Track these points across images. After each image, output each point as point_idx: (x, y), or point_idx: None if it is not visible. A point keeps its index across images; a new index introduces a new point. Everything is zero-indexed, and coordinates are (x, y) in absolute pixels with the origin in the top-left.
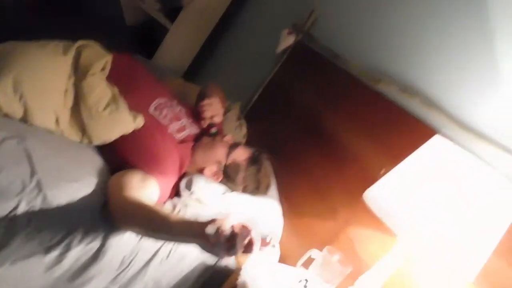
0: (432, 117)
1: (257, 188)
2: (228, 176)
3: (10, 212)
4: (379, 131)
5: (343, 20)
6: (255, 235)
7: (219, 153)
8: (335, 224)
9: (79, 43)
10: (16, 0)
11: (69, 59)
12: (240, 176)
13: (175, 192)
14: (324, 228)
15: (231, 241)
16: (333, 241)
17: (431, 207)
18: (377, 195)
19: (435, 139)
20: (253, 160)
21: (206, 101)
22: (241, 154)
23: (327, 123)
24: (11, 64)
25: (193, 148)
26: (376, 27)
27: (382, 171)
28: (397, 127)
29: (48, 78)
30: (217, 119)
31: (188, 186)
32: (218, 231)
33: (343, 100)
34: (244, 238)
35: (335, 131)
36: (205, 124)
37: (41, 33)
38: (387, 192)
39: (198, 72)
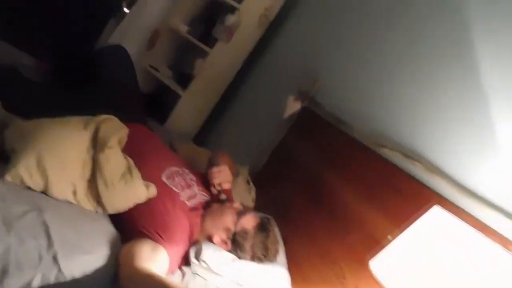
0: (435, 182)
1: (265, 255)
2: (236, 243)
3: (25, 285)
4: (384, 195)
5: (347, 87)
6: None
7: (228, 220)
8: None
9: (99, 117)
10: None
11: (89, 133)
12: (248, 243)
13: (185, 261)
14: None
15: None
16: None
17: (435, 279)
18: (382, 265)
19: (434, 210)
20: (262, 227)
21: (215, 169)
22: (250, 221)
23: (333, 187)
24: (35, 142)
25: (203, 216)
26: (379, 95)
27: (389, 237)
28: (402, 191)
29: (68, 154)
30: (226, 186)
31: (198, 255)
32: None
33: (348, 165)
34: None
35: (341, 196)
36: (214, 191)
37: (61, 105)
38: (391, 263)
39: (208, 136)
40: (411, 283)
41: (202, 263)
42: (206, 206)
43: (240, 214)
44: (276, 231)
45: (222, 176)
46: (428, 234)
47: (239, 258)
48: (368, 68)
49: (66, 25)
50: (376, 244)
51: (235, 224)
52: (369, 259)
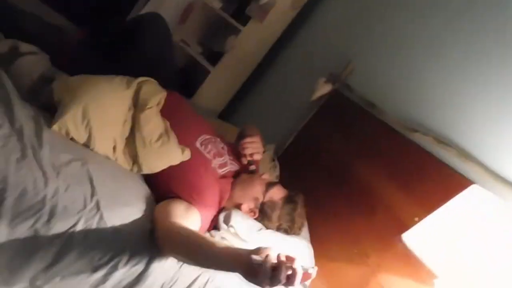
0: (467, 168)
1: (291, 227)
2: (264, 213)
3: (70, 228)
4: (413, 180)
5: (380, 71)
6: (299, 267)
7: (256, 190)
8: (365, 269)
9: (140, 79)
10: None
11: (130, 92)
12: (275, 214)
13: (213, 226)
14: (355, 273)
15: (275, 270)
16: (364, 287)
17: (470, 252)
18: (416, 238)
19: (472, 189)
20: (289, 200)
21: (248, 139)
22: (278, 193)
23: (360, 170)
24: (82, 95)
25: (233, 184)
26: (413, 79)
27: (416, 219)
28: (432, 177)
29: (111, 110)
30: (257, 157)
31: (227, 221)
32: (264, 259)
33: (377, 149)
34: (288, 269)
35: (367, 178)
36: (245, 161)
37: (102, 67)
38: (426, 236)
39: (233, 114)
40: (444, 257)
41: (231, 228)
42: (236, 175)
43: (268, 185)
44: (302, 205)
45: (254, 147)
46: (465, 211)
47: (266, 227)
48: (401, 52)
49: None
50: (402, 226)
51: (264, 194)
52: (393, 240)
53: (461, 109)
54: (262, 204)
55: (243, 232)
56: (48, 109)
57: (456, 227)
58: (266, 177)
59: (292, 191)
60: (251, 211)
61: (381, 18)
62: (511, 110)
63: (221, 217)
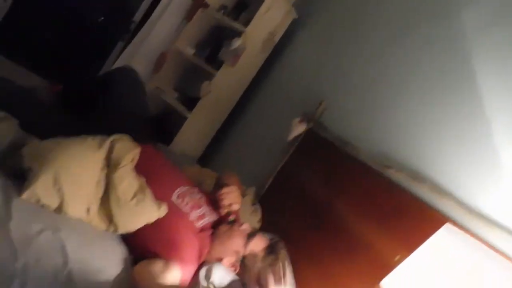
0: (442, 204)
1: (271, 279)
2: (245, 266)
3: None
4: (390, 217)
5: (352, 109)
6: None
7: (236, 244)
8: None
9: (113, 137)
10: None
11: (103, 153)
12: (256, 267)
13: (194, 279)
14: None
15: None
16: None
17: None
18: (395, 282)
19: (446, 228)
20: (270, 250)
21: (225, 189)
22: (259, 244)
23: (338, 209)
24: (52, 161)
25: (212, 237)
26: (384, 116)
27: (397, 258)
28: (409, 213)
29: (83, 173)
30: (235, 207)
31: (208, 276)
32: None
33: (353, 187)
34: None
35: (346, 217)
36: (223, 212)
37: (73, 126)
38: (403, 280)
39: (213, 158)
40: None
41: (210, 285)
42: (215, 226)
43: (249, 237)
44: (284, 253)
45: (231, 197)
46: (440, 251)
47: (246, 284)
48: (372, 90)
49: (75, 48)
50: (384, 266)
51: (244, 246)
52: (376, 281)
53: (434, 144)
54: (243, 257)
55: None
56: (18, 175)
57: (431, 268)
58: (246, 227)
59: (273, 239)
60: (233, 265)
61: (349, 56)
62: (483, 144)
63: (202, 272)
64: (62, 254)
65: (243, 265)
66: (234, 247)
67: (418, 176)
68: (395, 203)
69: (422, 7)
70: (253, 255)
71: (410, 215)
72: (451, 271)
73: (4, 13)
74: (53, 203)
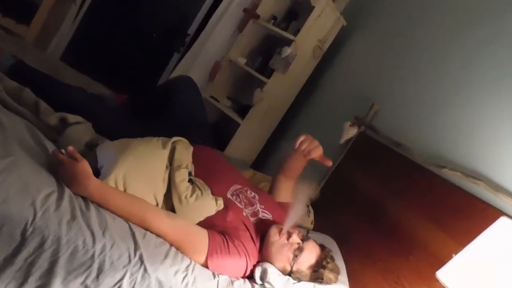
0: (498, 200)
1: (322, 283)
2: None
3: (117, 283)
4: (445, 216)
5: (403, 111)
6: None
7: (282, 259)
8: None
9: (174, 139)
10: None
11: (166, 152)
12: (305, 280)
13: (250, 275)
14: None
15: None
16: None
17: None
18: (450, 274)
19: (501, 221)
20: (317, 268)
21: (301, 137)
22: (307, 260)
23: (393, 209)
24: (123, 158)
25: (263, 242)
26: (436, 116)
27: (453, 255)
28: (464, 210)
29: (152, 169)
30: (316, 153)
31: (263, 277)
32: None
33: (407, 187)
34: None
35: (400, 217)
36: (303, 160)
37: (138, 130)
38: (459, 271)
39: (265, 163)
40: None
41: (267, 284)
42: (268, 225)
43: (297, 252)
44: (337, 257)
45: (310, 142)
46: (496, 245)
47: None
48: (424, 91)
49: (135, 61)
50: (440, 263)
51: (291, 264)
52: (434, 277)
53: (487, 142)
54: (290, 273)
55: (280, 287)
56: (93, 172)
57: (488, 261)
58: (295, 239)
59: (322, 256)
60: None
61: (401, 58)
62: None
63: (257, 272)
64: (133, 240)
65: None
66: (280, 262)
67: (472, 174)
68: (449, 200)
69: (480, 7)
70: (300, 273)
71: (464, 212)
72: (506, 263)
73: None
74: None
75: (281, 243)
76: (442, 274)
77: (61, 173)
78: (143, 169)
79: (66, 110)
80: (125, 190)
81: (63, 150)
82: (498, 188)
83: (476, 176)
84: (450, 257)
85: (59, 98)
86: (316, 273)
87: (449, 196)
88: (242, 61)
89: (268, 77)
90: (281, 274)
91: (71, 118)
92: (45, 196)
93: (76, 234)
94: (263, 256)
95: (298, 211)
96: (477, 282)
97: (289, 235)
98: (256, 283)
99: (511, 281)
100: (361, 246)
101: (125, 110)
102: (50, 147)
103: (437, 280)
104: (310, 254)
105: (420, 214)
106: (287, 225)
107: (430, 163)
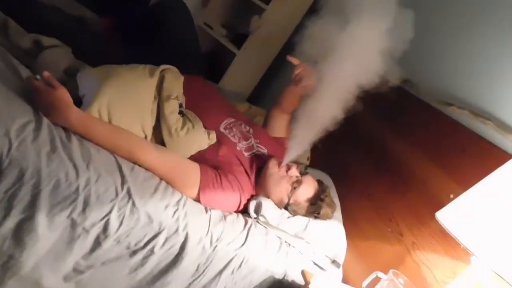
0: (506, 141)
1: (318, 217)
2: (290, 210)
3: (105, 216)
4: (449, 156)
5: (411, 43)
6: None
7: (281, 191)
8: (400, 247)
9: (162, 67)
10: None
11: (154, 81)
12: (301, 212)
13: (244, 210)
14: (389, 251)
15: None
16: (398, 265)
17: (507, 229)
18: (451, 215)
19: (511, 163)
20: (315, 201)
21: (298, 63)
22: (305, 193)
23: (394, 147)
24: (106, 87)
25: (259, 175)
26: (446, 51)
27: (451, 196)
28: (470, 152)
29: (139, 99)
30: (306, 81)
31: (257, 210)
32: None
33: (411, 125)
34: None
35: (401, 155)
36: (299, 89)
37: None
38: (461, 213)
39: (262, 96)
40: (481, 235)
41: (261, 217)
42: (263, 159)
43: (295, 184)
44: (332, 193)
45: (303, 68)
46: (503, 187)
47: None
48: (434, 20)
49: None
50: (438, 204)
51: (289, 195)
52: (429, 218)
53: (499, 80)
54: (287, 205)
55: (274, 220)
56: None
57: (493, 203)
58: (294, 173)
59: (320, 189)
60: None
61: None
62: None
63: (252, 206)
64: (120, 173)
65: (286, 209)
66: (278, 193)
67: (481, 113)
68: (455, 140)
69: None
70: (297, 205)
71: (469, 153)
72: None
73: None
74: None
75: (280, 175)
76: (442, 215)
77: (37, 102)
78: (128, 99)
79: (41, 32)
80: (110, 121)
81: (38, 76)
82: (507, 129)
83: (486, 116)
84: (448, 198)
85: (32, 18)
86: (313, 206)
87: (454, 136)
88: None
89: (267, 2)
90: (276, 207)
91: (46, 40)
92: (20, 126)
93: (57, 166)
94: (259, 190)
95: (300, 147)
96: (479, 225)
97: (289, 168)
98: (250, 217)
99: None
100: (358, 181)
101: (110, 34)
102: (25, 72)
103: (432, 220)
104: (309, 187)
105: (421, 152)
106: (287, 158)
107: (438, 100)
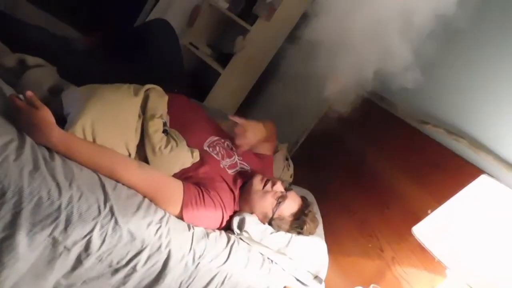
0: (479, 158)
1: (301, 233)
2: (272, 226)
3: (87, 234)
4: (425, 172)
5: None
6: None
7: (266, 206)
8: (381, 262)
9: (147, 86)
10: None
11: (139, 101)
12: (284, 228)
13: (227, 226)
14: (370, 266)
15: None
16: (379, 280)
17: (480, 243)
18: (426, 230)
19: (482, 179)
20: (298, 216)
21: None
22: (289, 208)
23: (372, 164)
24: (90, 106)
25: (243, 190)
26: (424, 74)
27: (429, 211)
28: (445, 168)
29: (123, 118)
30: (239, 141)
31: (240, 226)
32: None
33: (388, 142)
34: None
35: (380, 171)
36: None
37: (108, 75)
38: (436, 227)
39: (246, 114)
40: (454, 248)
41: (244, 233)
42: (247, 176)
43: (280, 199)
44: (315, 209)
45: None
46: (475, 202)
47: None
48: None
49: (109, 2)
50: (416, 219)
51: (273, 210)
52: (408, 233)
53: (473, 100)
54: (271, 219)
55: (257, 236)
56: (58, 120)
57: (465, 217)
58: (278, 188)
59: (305, 202)
60: (262, 219)
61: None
62: None
63: (235, 222)
64: (103, 191)
65: (270, 225)
66: (263, 208)
67: (455, 131)
68: (430, 157)
69: None
70: (281, 219)
71: (444, 169)
72: (484, 221)
73: None
74: None
75: (265, 190)
76: (418, 230)
77: (19, 122)
78: (113, 117)
79: (26, 52)
80: (94, 140)
81: (21, 96)
82: (479, 146)
83: (459, 134)
84: (426, 213)
85: (17, 37)
86: (297, 221)
87: (430, 152)
88: (223, 5)
89: (251, 24)
90: (259, 223)
91: (31, 60)
92: (3, 144)
93: (40, 185)
94: (243, 205)
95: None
96: (453, 239)
97: (274, 183)
98: (233, 234)
99: (488, 240)
100: (338, 198)
101: (95, 53)
102: (9, 91)
103: (411, 235)
104: (293, 202)
105: (398, 169)
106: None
107: (414, 119)
